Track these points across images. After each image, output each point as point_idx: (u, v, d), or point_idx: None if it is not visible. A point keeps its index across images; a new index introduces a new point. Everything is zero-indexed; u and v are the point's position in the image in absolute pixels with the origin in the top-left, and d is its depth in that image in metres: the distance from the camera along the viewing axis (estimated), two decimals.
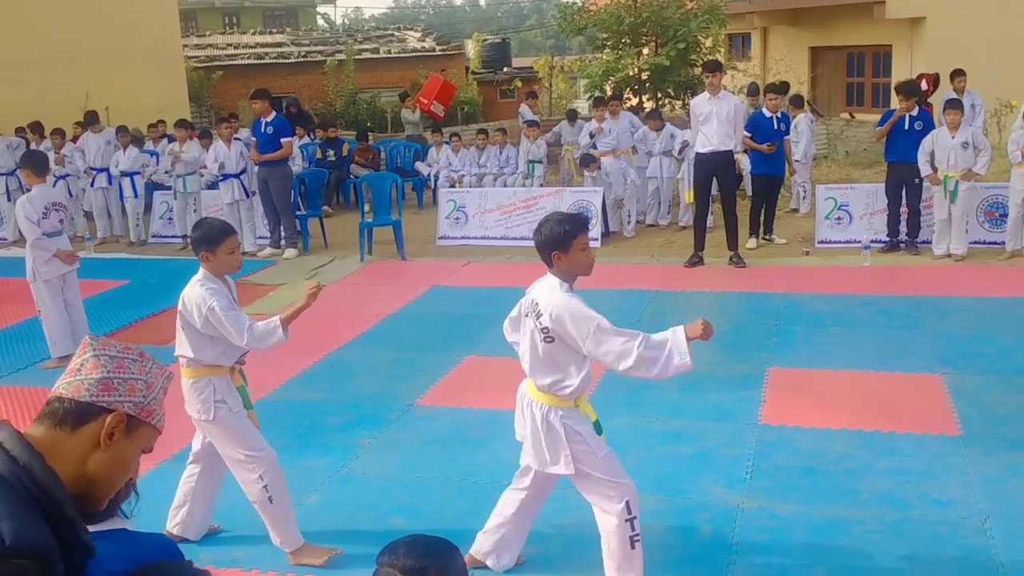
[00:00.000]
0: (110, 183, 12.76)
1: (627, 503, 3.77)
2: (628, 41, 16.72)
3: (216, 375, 4.35)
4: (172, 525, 4.62)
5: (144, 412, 1.84)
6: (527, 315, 3.92)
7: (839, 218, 10.46)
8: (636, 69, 16.62)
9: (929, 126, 9.76)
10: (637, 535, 3.80)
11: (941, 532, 4.39)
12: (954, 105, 9.41)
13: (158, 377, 1.90)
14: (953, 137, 9.18)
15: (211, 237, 4.36)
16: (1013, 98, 12.13)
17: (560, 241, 3.78)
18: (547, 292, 3.84)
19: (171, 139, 12.90)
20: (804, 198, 12.19)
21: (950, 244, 9.46)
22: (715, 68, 9.54)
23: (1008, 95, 12.46)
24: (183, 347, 4.36)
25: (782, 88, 11.22)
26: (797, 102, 12.27)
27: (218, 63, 23.71)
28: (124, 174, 12.51)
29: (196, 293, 4.30)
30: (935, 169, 9.38)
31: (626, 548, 3.79)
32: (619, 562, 3.82)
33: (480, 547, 4.23)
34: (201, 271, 4.39)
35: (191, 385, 4.35)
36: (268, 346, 4.33)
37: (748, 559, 4.25)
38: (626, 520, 3.78)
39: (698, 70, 16.23)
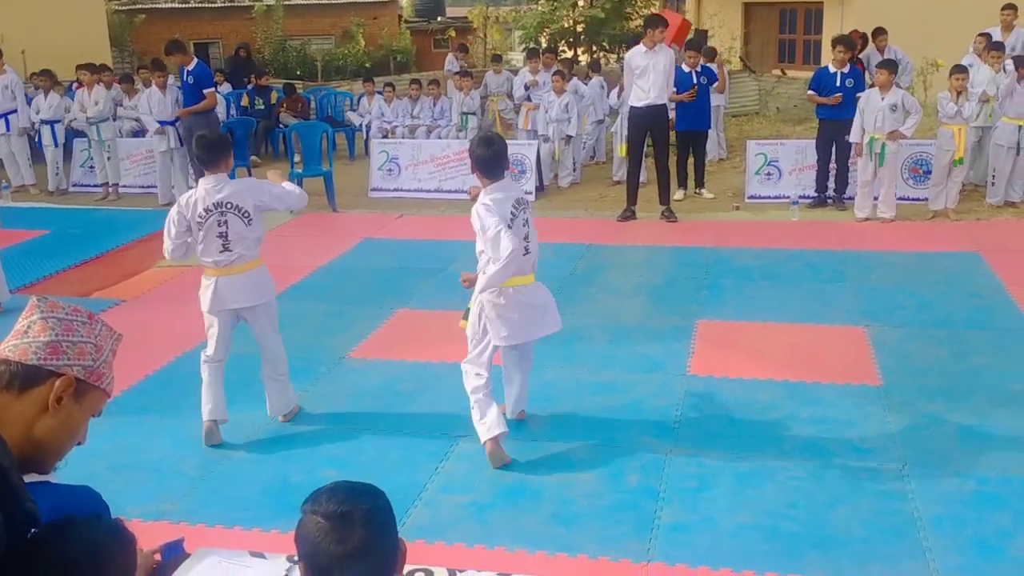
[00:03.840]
0: (7, 130, 12.03)
1: None
2: None
3: None
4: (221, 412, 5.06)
5: (93, 376, 1.80)
6: (522, 212, 4.58)
7: (769, 174, 10.60)
8: (571, 21, 16.54)
9: (860, 83, 9.89)
10: None
11: (861, 479, 4.53)
12: (886, 65, 9.37)
13: (107, 340, 1.85)
14: (883, 99, 9.21)
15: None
16: (939, 57, 12.34)
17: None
18: (519, 189, 4.76)
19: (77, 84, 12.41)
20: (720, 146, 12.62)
21: (877, 207, 9.52)
22: (659, 23, 9.51)
23: (935, 54, 12.67)
24: (248, 242, 4.89)
25: (698, 44, 11.22)
26: (709, 54, 12.31)
27: (140, 6, 22.96)
28: (44, 122, 12.08)
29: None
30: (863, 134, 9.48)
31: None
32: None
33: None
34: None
35: (262, 272, 5.00)
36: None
37: (675, 506, 4.34)
38: None
39: (633, 23, 16.22)
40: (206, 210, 4.80)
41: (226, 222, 4.80)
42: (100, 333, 1.82)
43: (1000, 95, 9.60)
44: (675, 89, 9.97)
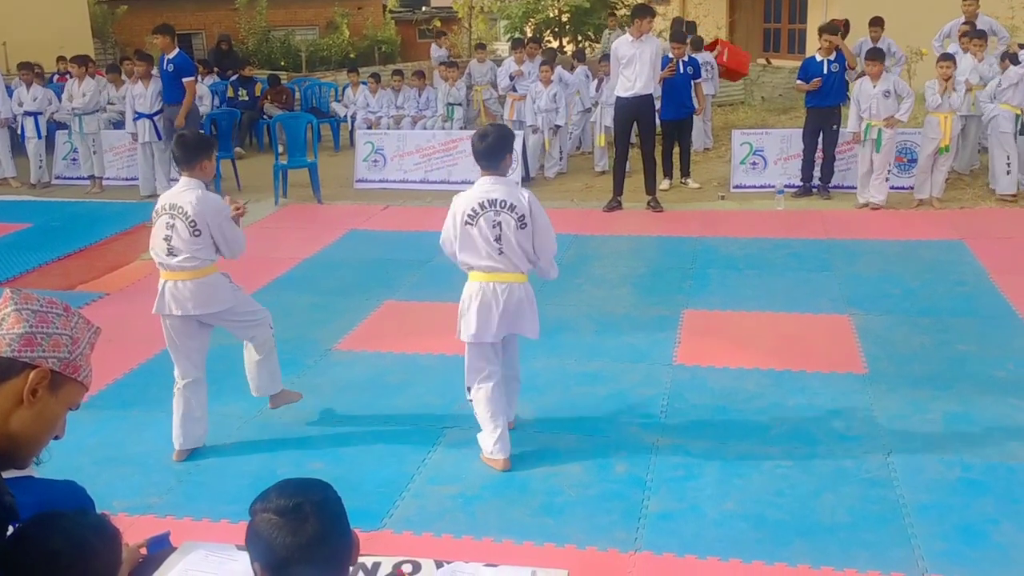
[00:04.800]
0: None
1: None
2: None
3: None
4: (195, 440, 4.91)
5: (70, 368, 1.77)
6: (486, 212, 4.45)
7: (754, 163, 10.62)
8: (556, 11, 16.51)
9: (843, 69, 9.94)
10: None
11: (846, 466, 4.56)
12: (874, 55, 9.41)
13: (84, 332, 1.82)
14: (875, 86, 9.27)
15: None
16: (923, 46, 12.38)
17: (512, 143, 4.59)
18: (508, 188, 4.50)
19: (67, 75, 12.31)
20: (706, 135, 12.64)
21: (868, 192, 9.54)
22: (647, 13, 9.50)
23: (919, 43, 12.71)
24: (192, 250, 4.68)
25: (683, 36, 11.20)
26: (696, 44, 12.30)
27: None
28: (27, 114, 11.98)
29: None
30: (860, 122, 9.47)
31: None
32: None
33: (486, 446, 4.66)
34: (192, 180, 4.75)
35: (210, 282, 4.74)
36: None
37: (662, 495, 4.35)
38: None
39: (619, 12, 16.19)
40: (161, 208, 4.73)
41: (173, 226, 4.67)
42: (76, 325, 1.80)
43: (1003, 82, 9.55)
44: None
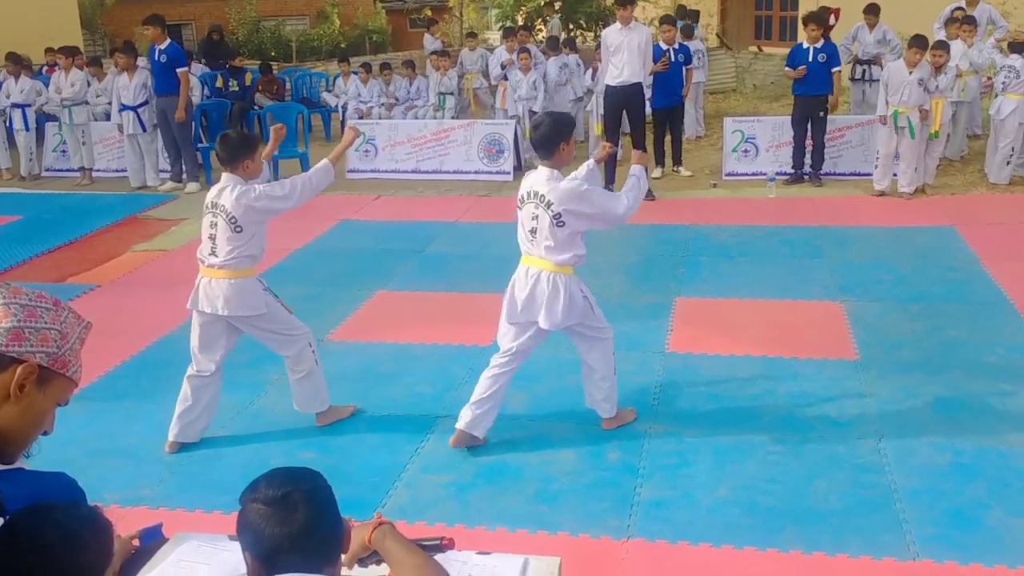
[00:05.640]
0: None
1: (611, 337, 4.80)
2: None
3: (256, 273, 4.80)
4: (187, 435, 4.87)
5: (58, 363, 1.76)
6: (529, 202, 4.49)
7: (746, 151, 10.62)
8: None
9: (833, 59, 9.91)
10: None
11: (838, 452, 4.57)
12: (917, 43, 9.19)
13: (74, 327, 1.81)
14: (911, 73, 9.09)
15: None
16: (913, 32, 12.35)
17: (568, 131, 4.47)
18: (552, 183, 4.41)
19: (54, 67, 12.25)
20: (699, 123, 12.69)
21: (898, 182, 9.38)
22: (626, 1, 9.48)
23: (908, 29, 12.68)
24: (232, 249, 4.63)
25: (672, 19, 11.17)
26: (688, 31, 12.27)
27: None
28: (15, 106, 11.91)
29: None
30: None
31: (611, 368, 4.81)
32: (608, 392, 4.83)
33: (465, 419, 4.69)
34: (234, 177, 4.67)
35: (244, 285, 4.67)
36: (323, 187, 4.81)
37: (655, 483, 4.36)
38: (612, 353, 4.79)
39: (610, 1, 16.13)
40: (206, 206, 4.73)
41: (216, 224, 4.66)
42: (66, 320, 1.79)
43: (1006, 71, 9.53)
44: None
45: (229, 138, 4.73)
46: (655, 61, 10.08)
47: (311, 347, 4.91)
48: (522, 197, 4.55)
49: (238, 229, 4.61)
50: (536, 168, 4.55)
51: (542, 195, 4.41)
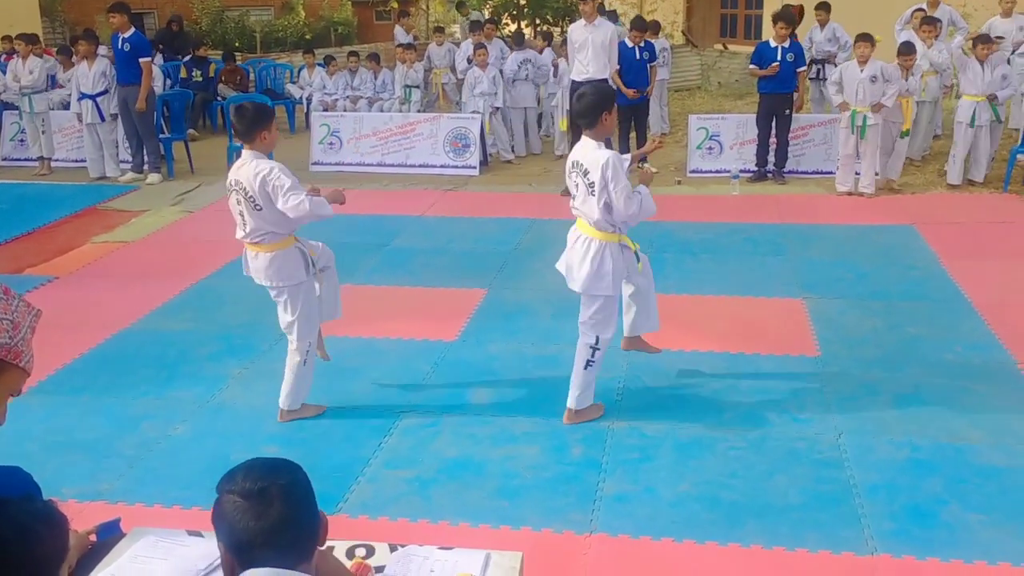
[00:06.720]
0: None
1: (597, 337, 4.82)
2: None
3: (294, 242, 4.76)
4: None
5: (10, 354, 1.73)
6: (573, 171, 4.65)
7: (710, 148, 10.68)
8: None
9: (800, 58, 10.01)
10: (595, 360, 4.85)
11: (798, 447, 4.62)
12: (864, 38, 9.33)
13: (25, 316, 1.78)
14: (862, 71, 9.21)
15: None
16: (877, 33, 12.50)
17: (610, 102, 4.59)
18: (592, 153, 4.54)
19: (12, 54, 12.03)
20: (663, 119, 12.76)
21: (859, 182, 9.48)
22: None
23: (870, 29, 12.83)
24: (259, 225, 4.62)
25: (641, 24, 11.20)
26: (654, 27, 12.33)
27: None
28: None
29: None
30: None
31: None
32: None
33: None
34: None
35: (283, 255, 4.69)
36: (317, 216, 4.69)
37: (618, 477, 4.38)
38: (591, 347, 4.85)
39: None
40: (228, 184, 4.68)
41: (240, 201, 4.61)
42: (17, 309, 1.76)
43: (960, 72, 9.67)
44: (619, 66, 9.95)
45: (245, 110, 4.62)
46: (627, 62, 10.10)
47: (309, 343, 4.95)
48: (568, 168, 4.73)
49: (258, 207, 4.57)
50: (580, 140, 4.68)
51: (581, 164, 4.59)
